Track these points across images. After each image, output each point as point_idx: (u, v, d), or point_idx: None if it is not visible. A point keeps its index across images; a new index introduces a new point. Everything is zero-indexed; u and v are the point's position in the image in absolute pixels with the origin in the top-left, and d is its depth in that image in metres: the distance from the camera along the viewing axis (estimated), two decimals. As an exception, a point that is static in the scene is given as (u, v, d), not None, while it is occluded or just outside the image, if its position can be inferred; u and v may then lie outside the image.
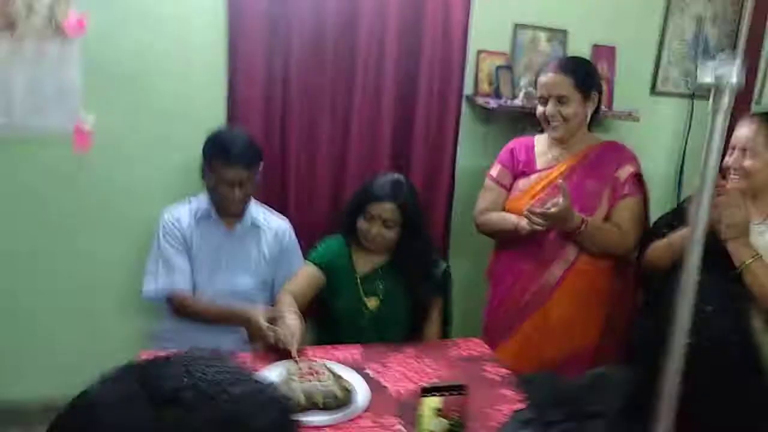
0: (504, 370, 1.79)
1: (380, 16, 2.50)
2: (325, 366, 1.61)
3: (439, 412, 1.39)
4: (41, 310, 2.51)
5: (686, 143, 3.03)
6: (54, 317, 2.53)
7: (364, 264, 2.09)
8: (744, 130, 1.83)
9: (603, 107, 2.61)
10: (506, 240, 2.21)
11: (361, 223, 2.02)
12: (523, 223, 2.03)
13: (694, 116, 2.99)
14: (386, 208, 1.99)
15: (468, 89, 2.72)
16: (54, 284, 2.49)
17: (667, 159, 3.07)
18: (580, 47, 2.77)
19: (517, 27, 2.74)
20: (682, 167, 3.04)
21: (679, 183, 3.05)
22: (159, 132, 2.45)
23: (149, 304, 2.28)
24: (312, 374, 1.55)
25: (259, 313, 1.83)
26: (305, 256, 2.15)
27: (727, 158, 1.87)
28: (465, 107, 2.72)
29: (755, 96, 2.92)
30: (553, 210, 1.92)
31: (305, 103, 2.50)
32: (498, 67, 2.68)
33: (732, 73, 0.70)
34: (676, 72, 2.97)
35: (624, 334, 2.22)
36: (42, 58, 2.35)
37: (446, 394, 1.39)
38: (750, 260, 1.73)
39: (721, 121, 0.71)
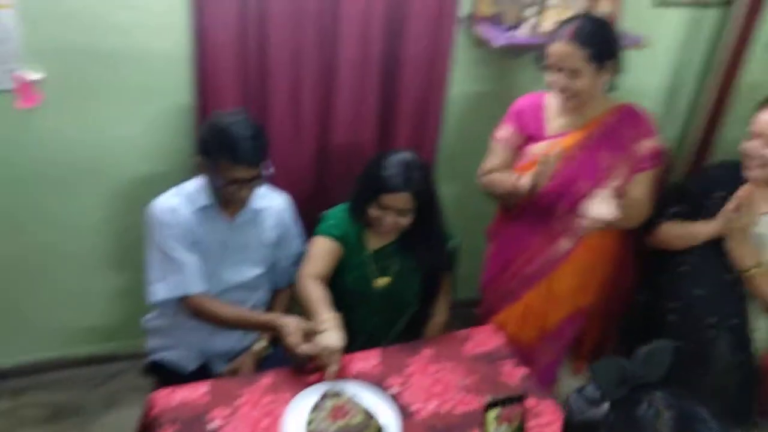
0: (521, 370, 1.80)
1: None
2: (353, 401, 1.57)
3: (498, 420, 1.49)
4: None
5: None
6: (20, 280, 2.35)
7: (375, 242, 1.98)
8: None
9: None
10: (514, 207, 2.11)
11: (373, 211, 1.88)
12: (523, 180, 1.92)
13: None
14: (400, 198, 1.84)
15: (466, 9, 2.40)
16: (15, 246, 2.28)
17: (668, 72, 2.91)
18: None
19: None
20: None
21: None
22: (112, 82, 2.11)
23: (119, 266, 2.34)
24: (342, 415, 1.52)
25: (293, 327, 1.69)
26: (314, 230, 1.99)
27: (746, 144, 1.79)
28: (460, 30, 2.42)
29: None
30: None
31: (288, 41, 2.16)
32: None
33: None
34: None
35: (622, 296, 2.27)
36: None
37: (506, 404, 1.50)
38: (751, 269, 1.81)
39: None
